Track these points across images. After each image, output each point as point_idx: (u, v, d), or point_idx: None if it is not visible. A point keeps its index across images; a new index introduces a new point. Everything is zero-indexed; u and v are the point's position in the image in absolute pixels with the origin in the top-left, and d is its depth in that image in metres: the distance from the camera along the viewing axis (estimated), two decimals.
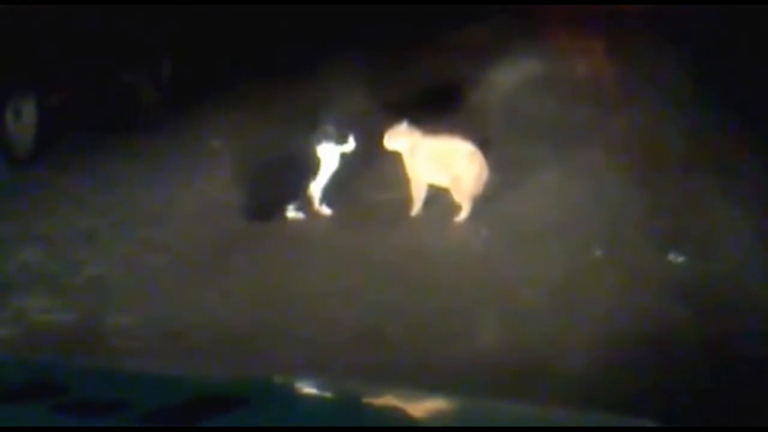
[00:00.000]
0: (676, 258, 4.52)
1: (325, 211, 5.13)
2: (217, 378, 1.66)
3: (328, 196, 5.16)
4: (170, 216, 5.20)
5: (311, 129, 5.13)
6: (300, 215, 5.11)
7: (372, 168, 5.45)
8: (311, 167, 5.02)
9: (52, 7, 6.13)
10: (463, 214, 5.01)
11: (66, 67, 6.26)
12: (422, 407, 1.51)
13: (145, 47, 7.24)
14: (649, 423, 1.41)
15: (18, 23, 5.79)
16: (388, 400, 1.55)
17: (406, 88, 7.38)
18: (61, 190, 5.59)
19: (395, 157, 5.07)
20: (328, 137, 5.00)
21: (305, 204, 5.11)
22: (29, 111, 5.94)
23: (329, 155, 5.02)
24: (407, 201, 5.09)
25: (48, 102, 6.11)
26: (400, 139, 5.02)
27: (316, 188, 5.09)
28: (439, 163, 4.98)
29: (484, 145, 5.17)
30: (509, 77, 8.17)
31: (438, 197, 5.09)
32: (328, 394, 1.58)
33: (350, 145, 5.04)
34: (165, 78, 7.52)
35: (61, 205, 5.35)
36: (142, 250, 4.77)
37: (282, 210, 5.10)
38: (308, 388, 1.64)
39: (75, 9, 6.36)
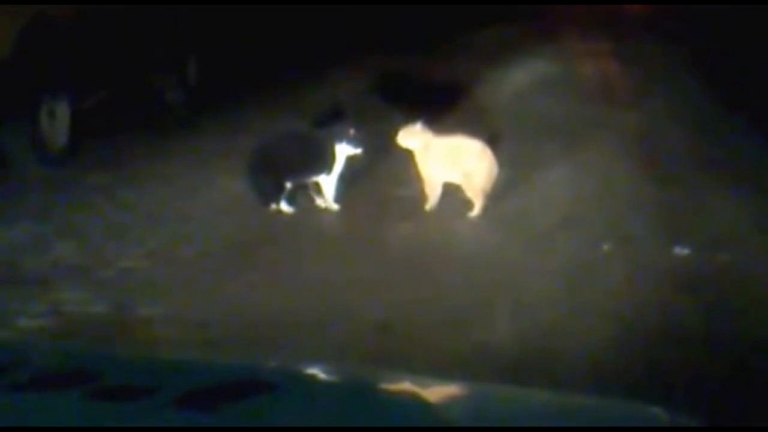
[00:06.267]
0: (682, 251, 4.57)
1: (344, 206, 5.23)
2: (243, 365, 1.66)
3: (346, 193, 5.27)
4: (197, 211, 5.31)
5: (330, 128, 5.25)
6: (319, 211, 5.24)
7: (388, 165, 5.54)
8: (330, 165, 5.14)
9: (84, 10, 6.25)
10: (475, 210, 5.08)
11: (97, 70, 6.39)
12: (437, 393, 1.53)
13: (172, 49, 7.35)
14: (657, 409, 1.43)
15: (52, 26, 5.91)
16: (404, 386, 1.57)
17: (419, 88, 7.39)
18: (94, 187, 5.71)
19: (409, 155, 5.12)
20: (346, 136, 5.11)
21: (324, 200, 5.25)
22: (62, 112, 6.04)
23: (347, 153, 5.13)
24: (421, 197, 5.15)
25: (80, 103, 6.21)
26: (414, 137, 5.08)
27: (334, 185, 5.20)
28: (451, 161, 5.04)
29: (494, 142, 5.24)
30: (519, 77, 8.13)
31: (451, 193, 5.15)
32: (347, 381, 1.59)
33: (367, 143, 5.14)
34: (191, 79, 7.64)
35: (94, 201, 5.47)
36: (170, 244, 4.88)
37: (302, 205, 5.23)
38: (329, 375, 1.64)
39: (106, 12, 6.48)
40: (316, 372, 1.67)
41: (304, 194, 5.29)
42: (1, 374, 1.46)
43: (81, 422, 1.27)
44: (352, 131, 5.13)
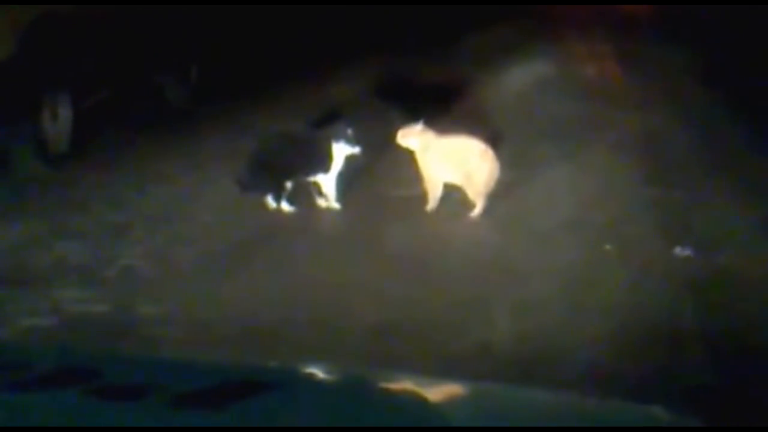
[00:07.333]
0: (682, 252, 4.56)
1: (344, 206, 5.25)
2: (243, 365, 1.70)
3: (346, 193, 5.29)
4: (198, 211, 5.33)
5: (332, 129, 5.27)
6: (319, 211, 5.25)
7: (389, 166, 5.54)
8: (332, 165, 5.16)
9: (86, 11, 6.26)
10: (476, 210, 5.09)
11: (99, 70, 6.41)
12: (437, 393, 1.55)
13: (174, 49, 7.37)
14: (657, 409, 1.43)
15: (53, 26, 5.92)
16: (404, 386, 1.59)
17: (420, 88, 7.39)
18: (95, 186, 5.73)
19: (410, 155, 5.13)
20: (346, 136, 5.13)
21: (325, 200, 5.27)
22: (64, 112, 6.06)
23: (347, 153, 5.14)
24: (423, 197, 5.17)
25: (83, 103, 6.23)
26: (414, 137, 5.09)
27: (335, 185, 5.23)
28: (452, 161, 5.05)
29: (495, 143, 5.24)
30: (520, 77, 8.14)
31: (451, 193, 5.16)
32: (347, 381, 1.61)
33: (368, 143, 5.16)
34: (192, 79, 7.65)
35: (95, 201, 5.49)
36: (171, 244, 4.90)
37: (302, 206, 5.25)
38: (329, 375, 1.65)
39: (108, 12, 6.50)
40: (316, 372, 1.68)
41: (305, 194, 5.31)
42: (2, 373, 1.47)
43: (82, 421, 1.27)
44: (352, 132, 5.15)
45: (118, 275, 4.51)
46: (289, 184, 5.20)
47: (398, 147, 5.16)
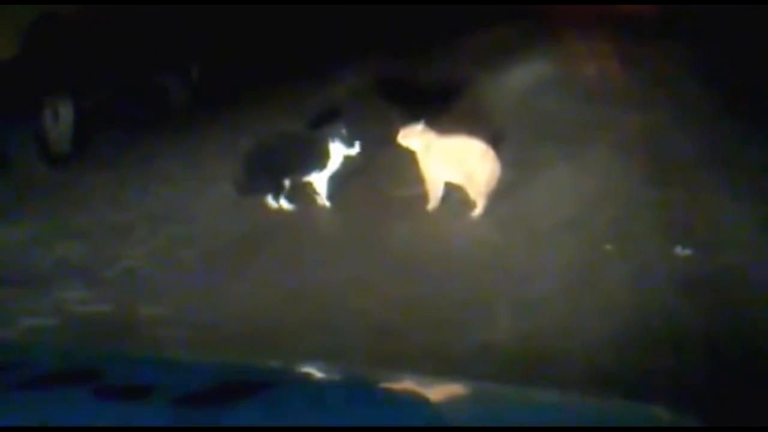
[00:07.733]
0: (683, 252, 4.56)
1: (345, 207, 5.26)
2: (244, 365, 1.69)
3: (347, 193, 5.30)
4: (199, 212, 5.34)
5: (333, 129, 5.28)
6: (320, 211, 5.27)
7: (390, 166, 5.54)
8: (331, 165, 5.18)
9: (87, 11, 6.29)
10: (477, 210, 5.09)
11: (101, 71, 6.43)
12: (437, 393, 1.55)
13: (175, 50, 7.38)
14: (657, 409, 1.45)
15: (55, 27, 5.95)
16: (404, 386, 1.59)
17: (420, 88, 7.40)
18: (97, 187, 5.75)
19: (411, 156, 5.13)
20: (348, 137, 5.14)
21: (327, 200, 5.28)
22: (66, 113, 6.09)
23: (349, 154, 5.16)
24: (423, 197, 5.17)
25: (84, 104, 6.26)
26: (415, 138, 5.09)
27: (335, 185, 5.24)
28: (453, 161, 5.05)
29: (496, 143, 5.24)
30: (520, 78, 8.15)
31: (452, 194, 5.16)
32: (347, 381, 1.61)
33: (369, 144, 5.18)
34: (195, 80, 7.67)
35: (97, 202, 5.51)
36: (172, 244, 4.91)
37: (303, 206, 5.26)
38: (329, 375, 1.66)
39: (109, 12, 6.53)
40: (316, 372, 1.69)
41: (304, 194, 5.32)
42: (5, 373, 1.48)
43: (83, 421, 1.28)
44: (354, 132, 5.16)
45: (120, 275, 4.53)
46: (288, 184, 5.21)
47: (398, 147, 5.16)
